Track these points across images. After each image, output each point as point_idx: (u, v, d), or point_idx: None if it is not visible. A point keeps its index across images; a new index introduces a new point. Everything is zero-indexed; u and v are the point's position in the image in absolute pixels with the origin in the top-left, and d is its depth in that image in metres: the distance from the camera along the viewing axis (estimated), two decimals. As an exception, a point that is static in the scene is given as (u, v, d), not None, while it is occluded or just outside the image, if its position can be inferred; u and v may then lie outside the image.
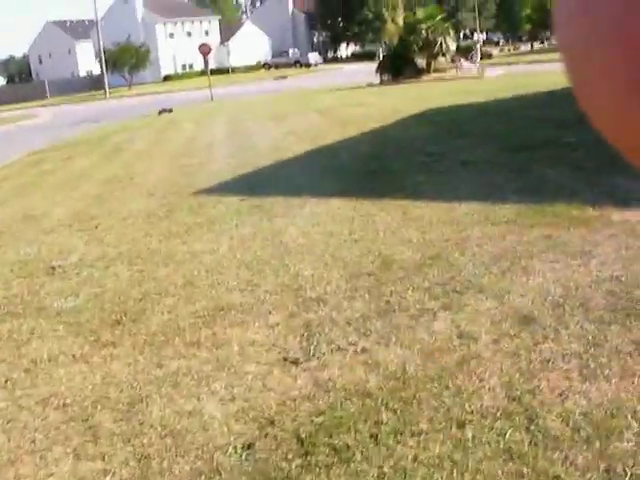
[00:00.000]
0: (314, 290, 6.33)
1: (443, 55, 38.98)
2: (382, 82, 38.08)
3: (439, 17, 40.42)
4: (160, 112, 33.09)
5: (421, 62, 38.79)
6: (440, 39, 38.36)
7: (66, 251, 8.87)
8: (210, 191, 11.49)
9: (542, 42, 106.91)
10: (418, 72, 38.26)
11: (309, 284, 6.50)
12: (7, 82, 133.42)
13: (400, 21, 40.66)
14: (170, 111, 33.11)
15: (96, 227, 10.00)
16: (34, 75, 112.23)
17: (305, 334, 5.45)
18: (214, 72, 54.89)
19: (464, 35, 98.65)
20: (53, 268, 8.17)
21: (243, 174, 12.79)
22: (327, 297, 6.14)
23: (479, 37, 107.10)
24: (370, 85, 37.19)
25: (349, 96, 30.36)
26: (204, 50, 41.94)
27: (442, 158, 12.15)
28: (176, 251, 8.19)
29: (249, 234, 8.51)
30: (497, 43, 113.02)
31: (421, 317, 5.54)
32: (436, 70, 38.83)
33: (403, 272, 6.55)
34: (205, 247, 8.20)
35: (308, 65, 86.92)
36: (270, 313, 5.95)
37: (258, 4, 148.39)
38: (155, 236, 9.00)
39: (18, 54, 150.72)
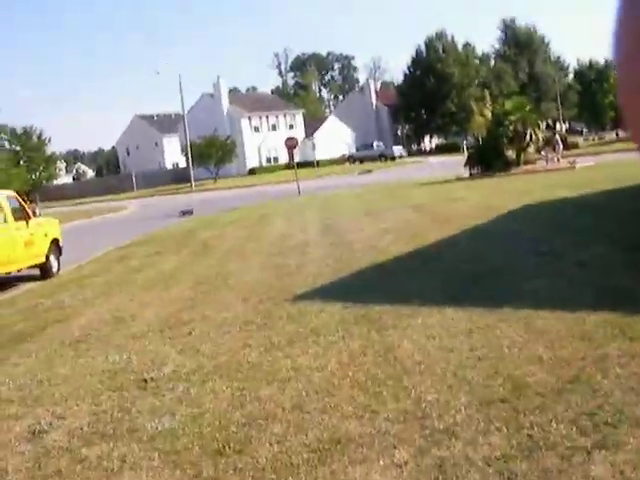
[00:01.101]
0: (442, 420, 5.51)
1: (530, 147, 38.33)
2: (471, 175, 37.50)
3: (527, 108, 39.96)
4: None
5: (510, 154, 38.11)
6: (530, 130, 37.76)
7: (158, 361, 8.28)
8: (310, 297, 10.75)
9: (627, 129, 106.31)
10: (507, 165, 37.54)
11: (435, 411, 5.68)
12: (96, 174, 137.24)
13: (488, 113, 40.23)
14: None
15: (189, 334, 9.40)
16: (122, 167, 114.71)
17: (440, 478, 4.67)
18: (299, 165, 55.19)
19: (547, 125, 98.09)
20: (145, 381, 7.58)
21: (343, 277, 12.05)
22: (458, 429, 5.32)
23: (561, 127, 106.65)
24: (459, 179, 36.64)
25: (440, 191, 29.79)
26: (290, 144, 42.05)
27: (555, 259, 11.32)
28: (279, 366, 7.45)
29: (359, 348, 7.72)
30: (580, 132, 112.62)
31: (573, 457, 4.71)
32: (525, 162, 38.14)
33: (540, 399, 5.71)
34: (311, 362, 7.43)
35: (393, 158, 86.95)
36: (395, 448, 5.15)
37: (341, 97, 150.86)
38: (255, 347, 8.29)
39: (106, 146, 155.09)
